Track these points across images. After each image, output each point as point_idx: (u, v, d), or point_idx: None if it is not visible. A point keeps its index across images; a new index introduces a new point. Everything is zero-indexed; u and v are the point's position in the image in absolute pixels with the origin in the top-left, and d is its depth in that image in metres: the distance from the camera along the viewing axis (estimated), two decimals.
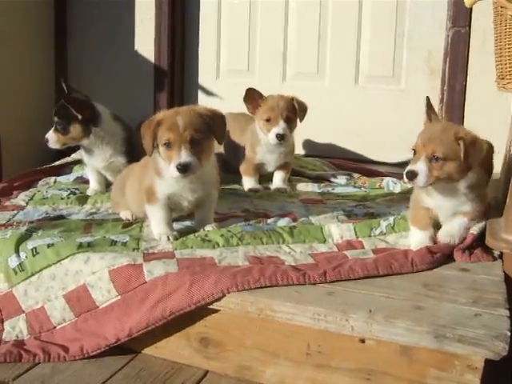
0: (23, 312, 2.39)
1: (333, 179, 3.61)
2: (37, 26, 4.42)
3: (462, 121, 3.74)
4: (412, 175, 2.40)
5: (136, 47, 4.46)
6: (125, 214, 2.82)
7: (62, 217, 2.85)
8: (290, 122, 3.24)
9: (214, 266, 2.24)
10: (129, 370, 2.22)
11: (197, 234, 2.56)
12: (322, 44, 4.24)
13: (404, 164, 4.04)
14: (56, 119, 3.13)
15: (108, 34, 4.55)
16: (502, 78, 2.93)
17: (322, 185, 3.50)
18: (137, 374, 2.20)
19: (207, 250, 2.41)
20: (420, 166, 2.39)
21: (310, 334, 2.06)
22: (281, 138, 3.18)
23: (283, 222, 2.73)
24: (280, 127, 3.17)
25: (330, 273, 2.19)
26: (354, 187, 3.47)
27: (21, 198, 3.15)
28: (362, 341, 2.01)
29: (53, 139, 3.16)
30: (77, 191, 3.27)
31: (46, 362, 2.24)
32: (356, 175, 3.70)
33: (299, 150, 4.18)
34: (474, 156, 2.37)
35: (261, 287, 2.11)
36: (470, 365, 1.90)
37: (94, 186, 3.33)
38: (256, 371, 2.17)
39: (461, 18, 3.68)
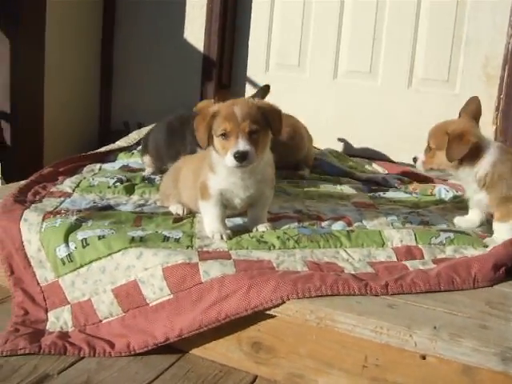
0: (68, 303, 2.36)
1: (383, 183, 3.51)
2: (85, 12, 4.37)
3: None
4: (414, 160, 2.88)
5: (185, 35, 4.38)
6: (175, 209, 2.75)
7: (110, 207, 2.78)
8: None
9: (272, 270, 2.16)
10: (176, 370, 2.16)
11: (252, 235, 2.49)
12: (377, 43, 4.14)
13: None
14: None
15: (156, 21, 4.48)
16: None
17: (373, 188, 3.40)
18: (184, 374, 2.14)
19: (263, 252, 2.33)
20: (420, 154, 2.85)
21: (368, 347, 1.99)
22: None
23: (338, 226, 2.65)
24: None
25: (392, 285, 2.11)
26: (405, 193, 3.38)
27: (67, 185, 3.08)
28: (423, 357, 1.93)
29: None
30: (123, 179, 3.20)
31: (92, 356, 2.19)
32: (407, 180, 3.60)
33: (348, 150, 4.09)
34: (454, 149, 2.62)
35: (321, 296, 2.04)
36: None
37: None
38: (308, 380, 2.10)
39: None
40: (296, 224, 2.65)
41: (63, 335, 2.28)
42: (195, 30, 4.35)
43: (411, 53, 4.08)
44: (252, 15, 4.40)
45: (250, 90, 4.41)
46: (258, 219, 2.60)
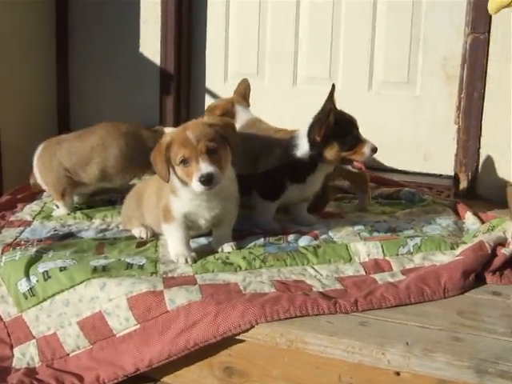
0: (34, 338, 2.29)
1: (349, 189, 3.48)
2: (38, 27, 4.24)
3: (479, 128, 3.63)
4: None
5: (141, 49, 4.31)
6: (139, 232, 2.69)
7: (71, 234, 2.72)
8: None
9: (239, 294, 2.12)
10: None
11: (217, 256, 2.45)
12: (335, 47, 4.10)
13: (419, 174, 4.03)
14: None
15: (111, 35, 4.37)
16: None
17: (338, 196, 3.37)
18: None
19: (230, 275, 2.29)
20: None
21: (341, 366, 1.97)
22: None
23: (305, 241, 2.62)
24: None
25: (361, 301, 2.09)
26: (372, 199, 3.35)
27: (27, 212, 3.01)
28: (397, 373, 1.91)
29: None
30: (83, 205, 3.14)
31: None
32: (373, 185, 3.58)
33: None
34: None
35: (290, 317, 2.01)
36: None
37: None
38: None
39: (480, 24, 3.54)
40: (262, 240, 2.61)
41: (30, 371, 2.21)
42: (151, 43, 4.25)
43: (370, 55, 4.04)
44: (207, 25, 4.32)
45: (208, 101, 4.34)
46: (223, 238, 2.56)
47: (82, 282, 2.22)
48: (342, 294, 2.16)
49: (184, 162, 2.29)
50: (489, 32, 3.54)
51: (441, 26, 3.89)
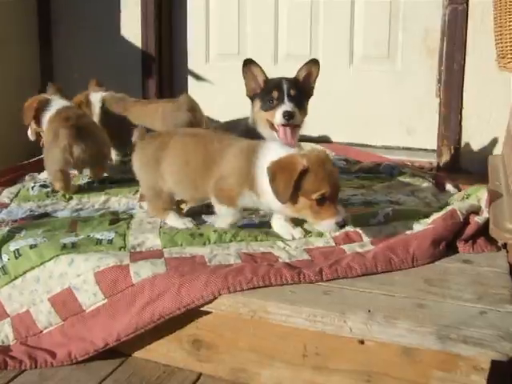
0: (8, 316, 2.29)
1: None
2: (19, 16, 4.26)
3: (460, 101, 3.63)
4: None
5: (122, 32, 4.31)
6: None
7: (46, 214, 2.74)
8: None
9: (204, 266, 2.13)
10: (119, 375, 2.13)
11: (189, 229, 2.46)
12: (314, 24, 4.10)
13: (399, 148, 4.02)
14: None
15: (92, 19, 4.39)
16: (503, 57, 2.82)
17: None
18: (127, 378, 2.11)
19: (197, 248, 2.30)
20: None
21: (306, 336, 1.97)
22: None
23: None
24: None
25: (326, 271, 2.09)
26: (350, 173, 3.35)
27: (5, 195, 3.03)
28: (361, 342, 1.92)
29: None
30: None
31: (33, 368, 2.16)
32: (352, 160, 3.58)
33: None
34: None
35: (253, 288, 2.01)
36: (476, 366, 1.81)
37: None
38: (251, 373, 2.08)
39: None
40: None
41: (5, 349, 2.23)
42: (131, 25, 4.27)
43: (350, 31, 4.04)
44: (188, 6, 4.33)
45: (192, 84, 4.36)
46: None
47: (51, 259, 2.23)
48: (307, 264, 2.15)
49: (321, 199, 2.20)
50: (467, 3, 3.53)
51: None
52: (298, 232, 2.44)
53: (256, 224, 2.56)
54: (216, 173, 2.37)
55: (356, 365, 1.94)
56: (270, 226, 2.49)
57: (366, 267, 2.13)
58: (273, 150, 2.28)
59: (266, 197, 2.27)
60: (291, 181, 2.12)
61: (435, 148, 3.86)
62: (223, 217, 2.46)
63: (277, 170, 2.15)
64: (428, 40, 3.87)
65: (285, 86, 2.66)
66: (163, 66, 4.33)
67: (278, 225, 2.47)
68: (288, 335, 1.99)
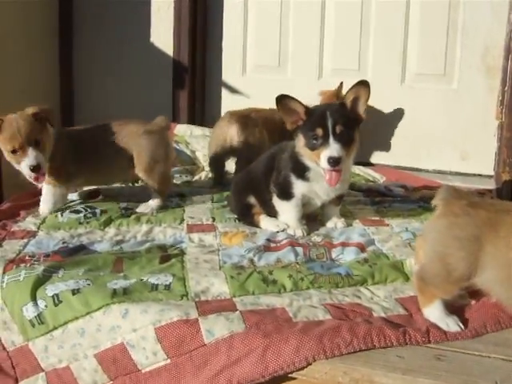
0: (42, 371, 1.96)
1: (387, 192, 3.15)
2: (40, 25, 3.93)
3: None
4: None
5: (152, 39, 3.98)
6: None
7: (83, 247, 2.37)
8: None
9: (290, 323, 1.78)
10: None
11: (258, 270, 2.13)
12: (364, 38, 3.79)
13: (452, 173, 3.73)
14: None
15: (120, 26, 4.06)
16: None
17: (376, 200, 3.04)
18: None
19: (274, 298, 1.96)
20: None
21: None
22: None
23: (351, 254, 2.30)
24: None
25: (434, 331, 1.77)
26: (413, 202, 3.02)
27: (30, 221, 2.65)
28: None
29: None
30: (96, 210, 2.77)
31: None
32: (410, 187, 3.26)
33: None
34: None
35: (354, 352, 1.68)
36: None
37: None
38: None
39: None
40: (302, 255, 2.29)
41: None
42: (163, 33, 3.94)
43: (403, 46, 3.73)
44: (224, 13, 4.01)
45: (225, 96, 4.04)
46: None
47: (99, 309, 1.88)
48: (408, 321, 1.83)
49: None
50: None
51: (481, 14, 3.58)
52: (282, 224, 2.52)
53: (329, 265, 2.22)
54: None
55: None
56: (346, 271, 2.16)
57: (476, 330, 1.82)
58: None
59: None
60: None
61: (491, 174, 3.58)
62: None
63: None
64: (488, 57, 3.58)
65: (329, 122, 2.34)
66: (196, 77, 4.00)
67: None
68: None
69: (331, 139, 2.33)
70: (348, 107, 2.40)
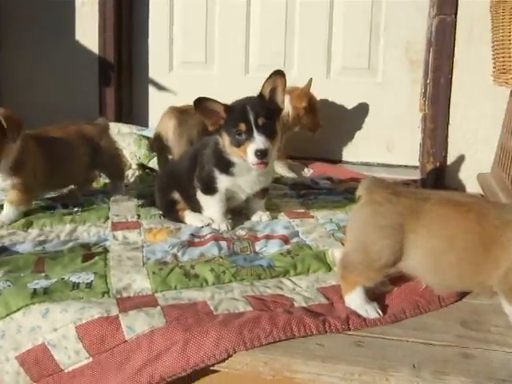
0: None
1: (313, 185, 3.19)
2: None
3: (447, 116, 3.42)
4: None
5: (77, 37, 3.92)
6: None
7: (4, 249, 2.32)
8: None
9: (210, 316, 1.79)
10: None
11: (180, 265, 2.13)
12: (290, 34, 3.84)
13: (379, 164, 3.79)
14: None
15: (44, 24, 3.99)
16: (504, 73, 2.61)
17: (302, 192, 3.07)
18: None
19: (195, 292, 1.95)
20: None
21: None
22: None
23: (274, 246, 2.32)
24: None
25: (354, 319, 1.80)
26: (338, 194, 3.07)
27: None
28: None
29: None
30: None
31: None
32: (336, 178, 3.31)
33: None
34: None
35: (274, 342, 1.69)
36: None
37: None
38: None
39: (446, 5, 3.32)
40: (226, 249, 2.30)
41: None
42: (88, 30, 3.89)
43: (327, 41, 3.81)
44: (150, 10, 3.99)
45: (152, 93, 4.02)
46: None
47: (19, 309, 1.83)
48: (329, 310, 1.86)
49: None
50: (455, 14, 3.33)
51: (403, 10, 3.68)
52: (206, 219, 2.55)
53: (252, 258, 2.24)
54: (503, 261, 1.75)
55: None
56: (268, 263, 2.18)
57: (395, 316, 1.87)
58: None
59: None
60: None
61: (416, 164, 3.66)
62: None
63: None
64: (410, 52, 3.68)
65: (251, 116, 2.35)
66: (122, 74, 3.97)
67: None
68: None
69: (255, 132, 2.34)
70: (266, 98, 2.42)
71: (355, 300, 1.87)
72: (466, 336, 1.79)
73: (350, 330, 1.78)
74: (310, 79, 3.51)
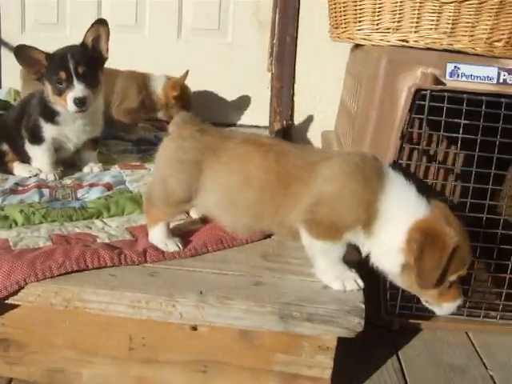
0: None
1: (156, 141, 3.21)
2: None
3: (293, 75, 3.52)
4: None
5: None
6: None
7: None
8: None
9: (7, 251, 1.80)
10: None
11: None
12: None
13: (234, 125, 3.85)
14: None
15: None
16: (336, 27, 2.72)
17: (143, 148, 3.11)
18: None
19: (2, 232, 1.96)
20: None
21: (131, 326, 1.73)
22: None
23: (96, 193, 2.35)
24: None
25: (151, 252, 1.85)
26: None
27: None
28: (194, 328, 1.72)
29: None
30: None
31: None
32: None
33: None
34: None
35: (66, 273, 1.72)
36: (321, 345, 1.69)
37: None
38: (70, 374, 1.80)
39: None
40: (48, 196, 2.31)
41: None
42: None
43: (178, 3, 3.82)
44: None
45: (6, 56, 3.93)
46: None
47: None
48: (130, 245, 1.91)
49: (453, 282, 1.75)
50: None
51: None
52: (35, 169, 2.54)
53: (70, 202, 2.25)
54: (305, 196, 1.79)
55: (190, 354, 1.74)
56: (82, 204, 2.21)
57: (196, 249, 1.93)
58: (407, 198, 1.75)
59: (379, 246, 1.76)
60: (441, 263, 1.66)
61: (267, 124, 3.74)
62: (324, 257, 1.82)
63: (426, 246, 1.65)
64: (259, 13, 3.74)
65: (71, 64, 2.39)
66: None
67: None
68: (111, 326, 1.73)
69: (75, 80, 2.36)
70: (89, 47, 2.43)
71: (157, 235, 1.92)
72: (263, 267, 1.86)
73: (147, 262, 1.82)
74: (186, 71, 3.52)
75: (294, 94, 3.54)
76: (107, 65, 2.57)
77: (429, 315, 2.07)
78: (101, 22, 2.43)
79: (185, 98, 3.60)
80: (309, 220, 1.75)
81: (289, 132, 3.57)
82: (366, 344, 2.04)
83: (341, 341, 1.70)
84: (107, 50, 2.47)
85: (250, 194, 1.82)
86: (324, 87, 3.52)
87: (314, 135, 3.54)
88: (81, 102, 2.36)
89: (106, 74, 2.75)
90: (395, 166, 1.95)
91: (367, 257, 1.79)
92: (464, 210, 2.05)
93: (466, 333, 2.21)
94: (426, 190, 1.78)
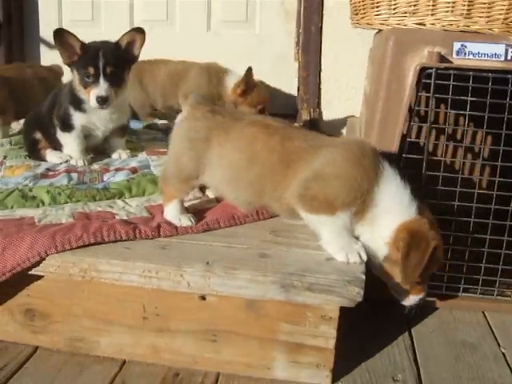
0: None
1: None
2: None
3: (319, 64, 3.58)
4: None
5: None
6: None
7: None
8: None
9: (31, 227, 1.93)
10: None
11: (20, 188, 2.27)
12: None
13: None
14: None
15: None
16: (356, 14, 2.77)
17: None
18: None
19: (29, 210, 2.11)
20: None
21: (144, 296, 1.83)
22: None
23: (121, 176, 2.47)
24: None
25: (165, 227, 1.95)
26: None
27: None
28: (203, 298, 1.80)
29: None
30: None
31: None
32: None
33: None
34: None
35: (84, 246, 1.84)
36: (324, 315, 1.75)
37: None
38: (89, 342, 1.91)
39: None
40: (76, 179, 2.44)
41: None
42: None
43: None
44: None
45: (44, 52, 4.10)
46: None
47: None
48: (146, 221, 2.02)
49: None
50: None
51: None
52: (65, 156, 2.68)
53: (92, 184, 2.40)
54: (303, 172, 1.88)
55: (199, 324, 1.82)
56: (106, 185, 2.34)
57: (208, 224, 2.02)
58: (401, 197, 1.86)
59: (367, 233, 1.89)
60: (424, 262, 1.80)
61: (295, 113, 3.80)
62: (326, 228, 1.89)
63: (413, 246, 1.79)
64: (286, 3, 3.82)
65: (101, 62, 2.52)
66: (12, 33, 4.03)
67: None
68: (125, 296, 1.84)
69: (101, 78, 2.51)
70: (122, 48, 2.57)
71: (171, 211, 2.03)
72: (271, 241, 1.94)
73: (160, 236, 1.93)
74: (248, 68, 3.50)
75: (320, 82, 3.61)
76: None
77: (444, 293, 2.17)
78: (138, 30, 2.57)
79: (257, 97, 3.56)
80: (302, 195, 1.83)
81: (316, 119, 3.63)
82: (379, 320, 2.11)
83: (352, 316, 1.78)
84: (138, 54, 2.61)
85: (253, 171, 1.93)
86: (350, 75, 3.57)
87: (341, 122, 3.60)
88: (103, 101, 2.51)
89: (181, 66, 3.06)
90: (393, 163, 2.01)
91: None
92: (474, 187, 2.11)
93: (483, 312, 2.22)
94: (413, 191, 1.88)
